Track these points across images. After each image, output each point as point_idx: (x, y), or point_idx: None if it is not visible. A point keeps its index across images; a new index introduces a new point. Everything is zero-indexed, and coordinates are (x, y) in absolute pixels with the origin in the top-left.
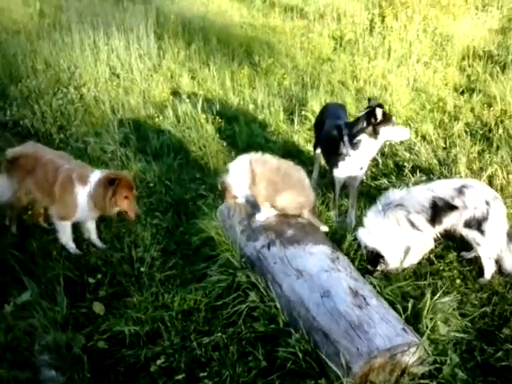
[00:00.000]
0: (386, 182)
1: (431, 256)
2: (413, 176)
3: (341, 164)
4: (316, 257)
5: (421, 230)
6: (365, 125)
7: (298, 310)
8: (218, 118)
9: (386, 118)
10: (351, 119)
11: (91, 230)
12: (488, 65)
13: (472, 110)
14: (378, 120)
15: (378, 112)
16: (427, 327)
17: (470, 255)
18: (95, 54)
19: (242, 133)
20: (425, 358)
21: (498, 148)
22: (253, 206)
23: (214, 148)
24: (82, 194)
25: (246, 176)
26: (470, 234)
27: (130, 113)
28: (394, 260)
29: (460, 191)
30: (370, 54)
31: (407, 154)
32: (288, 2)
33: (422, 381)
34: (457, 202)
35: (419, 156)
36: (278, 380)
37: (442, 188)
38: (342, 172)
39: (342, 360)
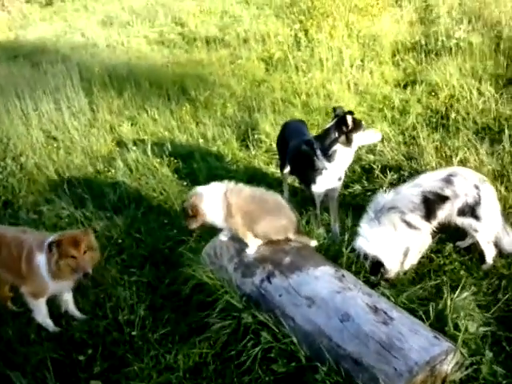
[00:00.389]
0: (360, 188)
1: (428, 253)
2: (384, 176)
3: (319, 179)
4: (322, 279)
5: (418, 229)
6: (337, 134)
7: (320, 341)
8: (171, 158)
9: (357, 124)
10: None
11: (69, 301)
12: (420, 55)
13: (419, 101)
14: (350, 127)
15: (349, 119)
16: (458, 329)
17: (466, 243)
18: (25, 121)
19: (201, 168)
20: (462, 362)
21: (457, 130)
22: (240, 241)
23: (175, 189)
24: (43, 264)
25: (221, 208)
26: (466, 222)
27: (76, 172)
28: (395, 265)
29: (448, 181)
30: (303, 68)
31: (371, 157)
32: (206, 34)
33: None
34: (447, 192)
35: (383, 156)
36: None
37: (429, 181)
38: (320, 187)
39: None
